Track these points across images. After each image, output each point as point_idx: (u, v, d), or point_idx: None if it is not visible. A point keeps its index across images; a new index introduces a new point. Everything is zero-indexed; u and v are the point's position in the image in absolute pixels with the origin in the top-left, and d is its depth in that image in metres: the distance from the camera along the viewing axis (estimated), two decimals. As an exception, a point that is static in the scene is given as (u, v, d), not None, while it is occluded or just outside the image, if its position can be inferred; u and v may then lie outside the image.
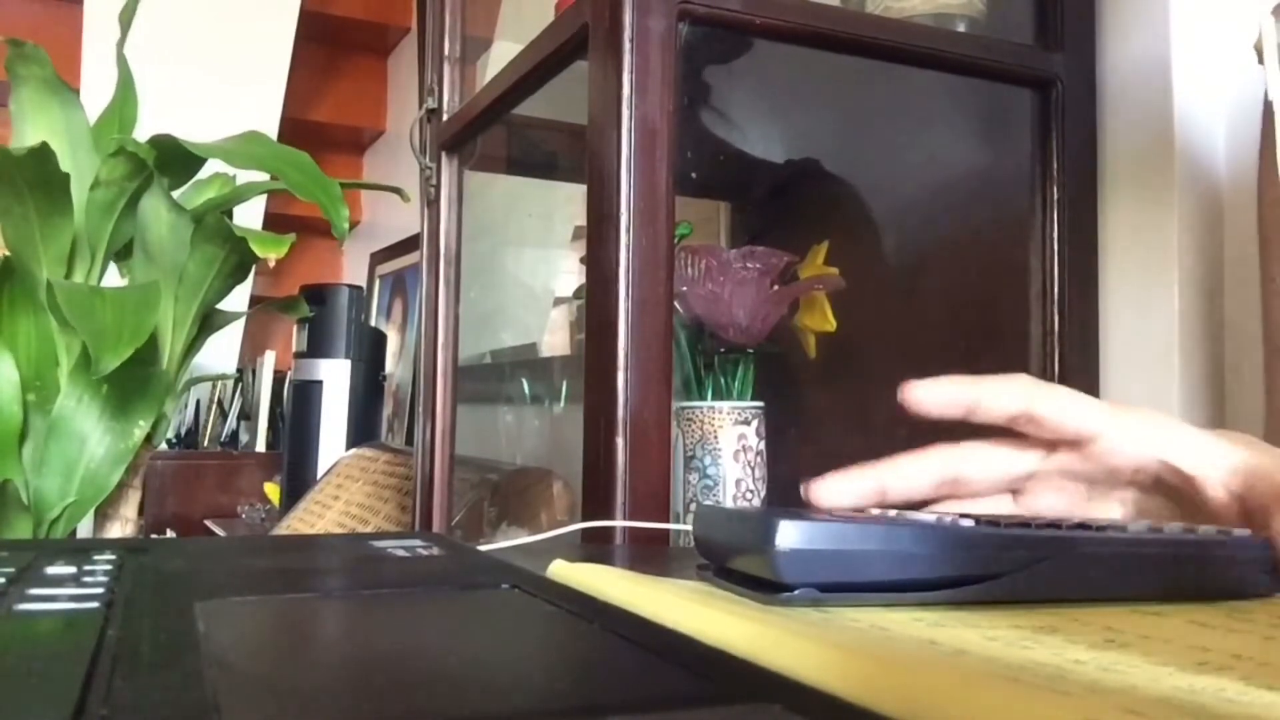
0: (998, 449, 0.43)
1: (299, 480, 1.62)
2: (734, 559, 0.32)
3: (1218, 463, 0.39)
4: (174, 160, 1.09)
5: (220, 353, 2.05)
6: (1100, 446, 0.41)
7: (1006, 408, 0.41)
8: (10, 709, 0.18)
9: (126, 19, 1.18)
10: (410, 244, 2.04)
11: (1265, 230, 0.58)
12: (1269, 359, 0.64)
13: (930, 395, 0.41)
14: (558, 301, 1.44)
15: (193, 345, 1.21)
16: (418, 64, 1.08)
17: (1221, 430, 0.42)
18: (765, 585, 0.30)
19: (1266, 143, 0.59)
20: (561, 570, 0.35)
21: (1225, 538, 0.34)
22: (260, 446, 2.18)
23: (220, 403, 2.36)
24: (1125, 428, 0.41)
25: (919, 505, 0.42)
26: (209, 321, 1.22)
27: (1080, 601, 0.31)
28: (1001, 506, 0.44)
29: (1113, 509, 0.43)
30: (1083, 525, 0.33)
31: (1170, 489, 0.41)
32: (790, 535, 0.29)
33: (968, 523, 0.32)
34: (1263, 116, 0.60)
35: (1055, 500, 0.43)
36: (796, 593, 0.30)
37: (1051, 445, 0.43)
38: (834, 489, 0.41)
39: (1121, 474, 0.42)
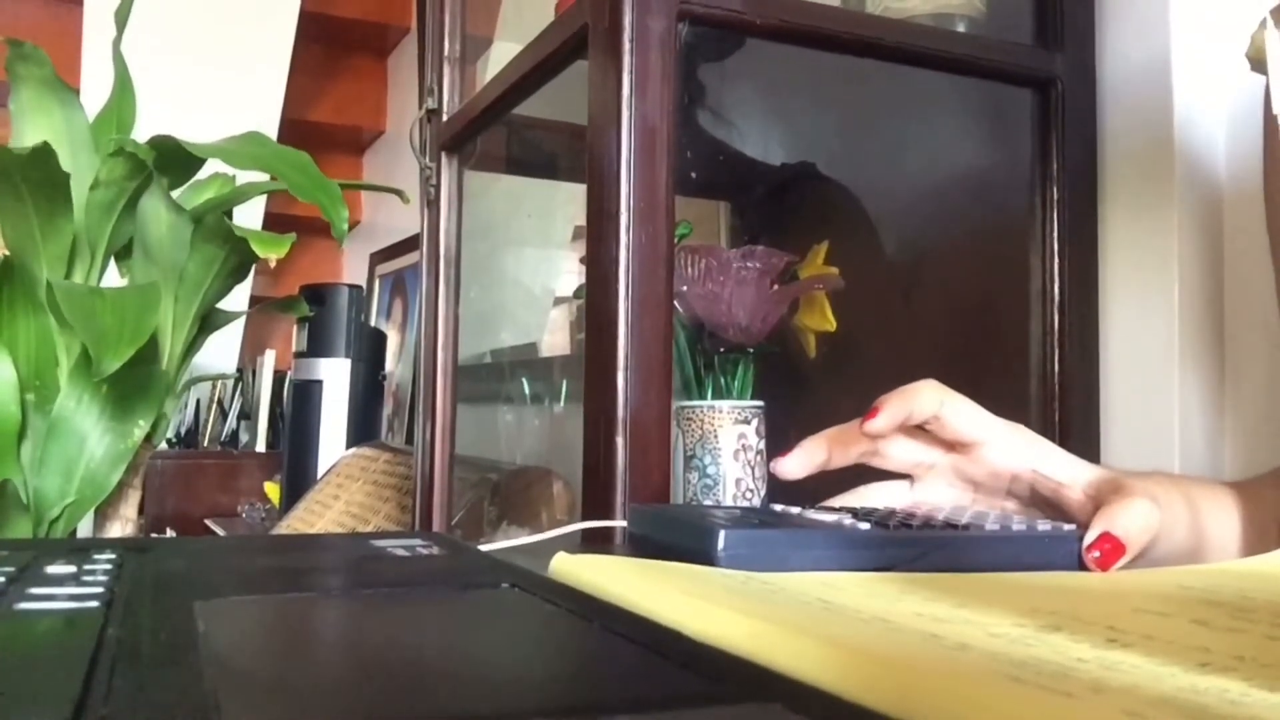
0: (911, 439, 0.52)
1: (299, 480, 1.62)
2: (675, 554, 0.39)
3: (1079, 474, 0.49)
4: (173, 160, 1.09)
5: (220, 352, 2.05)
6: (984, 452, 0.50)
7: (927, 410, 0.49)
8: (10, 709, 0.18)
9: (122, 17, 1.18)
10: (410, 244, 2.04)
11: (1275, 228, 0.58)
12: None
13: (795, 463, 0.52)
14: (558, 301, 1.44)
15: (193, 345, 1.21)
16: (418, 64, 1.08)
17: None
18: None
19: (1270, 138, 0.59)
20: (564, 564, 0.35)
21: (1050, 530, 0.44)
22: (260, 446, 2.18)
23: (220, 402, 2.36)
24: (1006, 439, 0.50)
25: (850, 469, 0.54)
26: (209, 321, 1.22)
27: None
28: (900, 491, 0.53)
29: (993, 508, 0.52)
30: (950, 524, 0.43)
31: (1040, 496, 0.50)
32: (728, 538, 0.39)
33: (865, 525, 0.41)
34: (1264, 112, 0.60)
35: (946, 492, 0.53)
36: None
37: (950, 446, 0.52)
38: (793, 463, 0.52)
39: (1001, 478, 0.51)
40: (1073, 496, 0.48)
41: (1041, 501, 0.51)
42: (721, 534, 0.38)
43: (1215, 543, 0.49)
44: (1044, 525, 0.45)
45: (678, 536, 0.42)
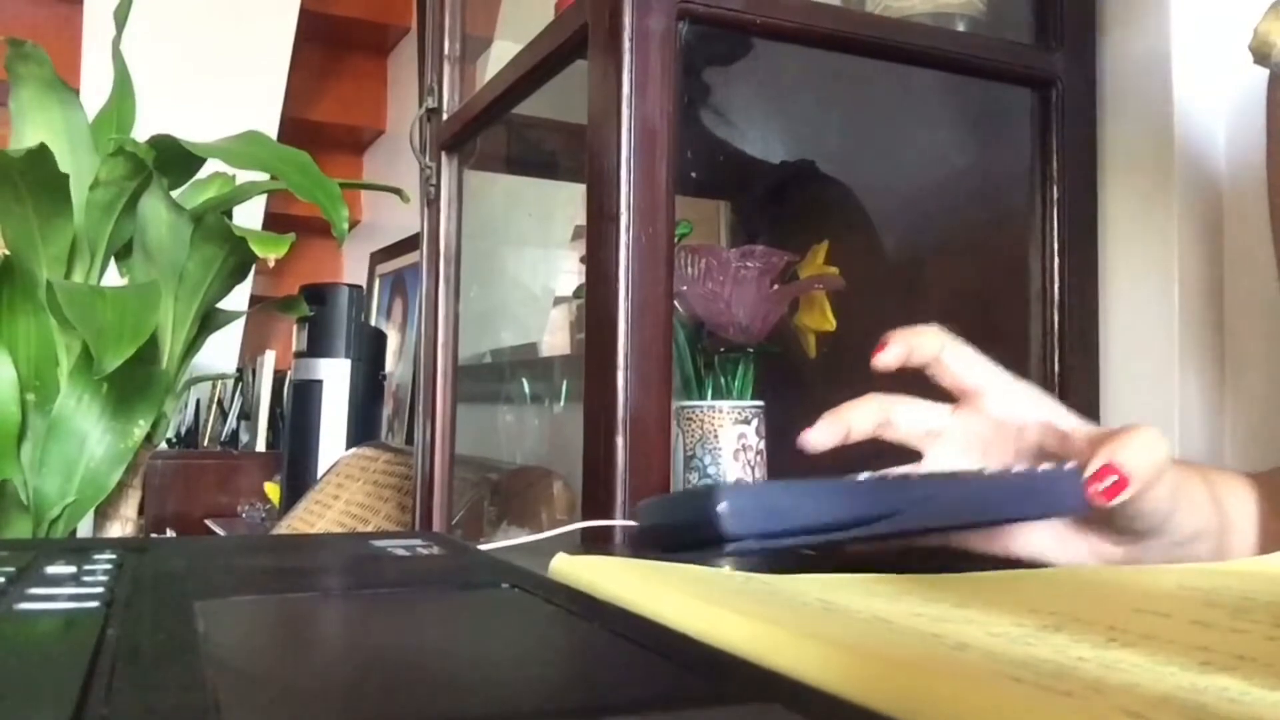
0: (917, 403, 0.51)
1: (299, 480, 1.62)
2: (682, 533, 0.38)
3: (1083, 426, 0.48)
4: (173, 160, 1.09)
5: (220, 352, 2.05)
6: (987, 403, 0.49)
7: (928, 351, 0.49)
8: (10, 709, 0.18)
9: (122, 16, 1.18)
10: (410, 244, 2.04)
11: (1277, 224, 0.58)
12: None
13: (821, 434, 0.51)
14: (558, 301, 1.44)
15: (193, 345, 1.21)
16: (418, 64, 1.08)
17: None
18: (712, 547, 0.38)
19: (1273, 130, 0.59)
20: (564, 564, 0.35)
21: (1051, 470, 0.42)
22: (260, 446, 2.18)
23: (220, 402, 2.36)
24: (1007, 388, 0.49)
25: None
26: (209, 321, 1.22)
27: (949, 530, 0.42)
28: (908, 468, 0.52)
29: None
30: (946, 474, 0.44)
31: (1047, 452, 0.48)
32: (728, 497, 0.37)
33: (863, 476, 0.40)
34: (1268, 103, 0.60)
35: (957, 460, 0.51)
36: (741, 544, 0.37)
37: (955, 402, 0.50)
38: (819, 434, 0.51)
39: (1006, 431, 0.49)
40: (1079, 447, 0.46)
41: (1050, 458, 0.49)
42: (721, 492, 0.38)
43: (1236, 524, 0.48)
44: (1045, 467, 0.43)
45: (682, 513, 0.41)
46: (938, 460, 0.52)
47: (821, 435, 0.51)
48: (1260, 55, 0.54)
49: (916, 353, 0.50)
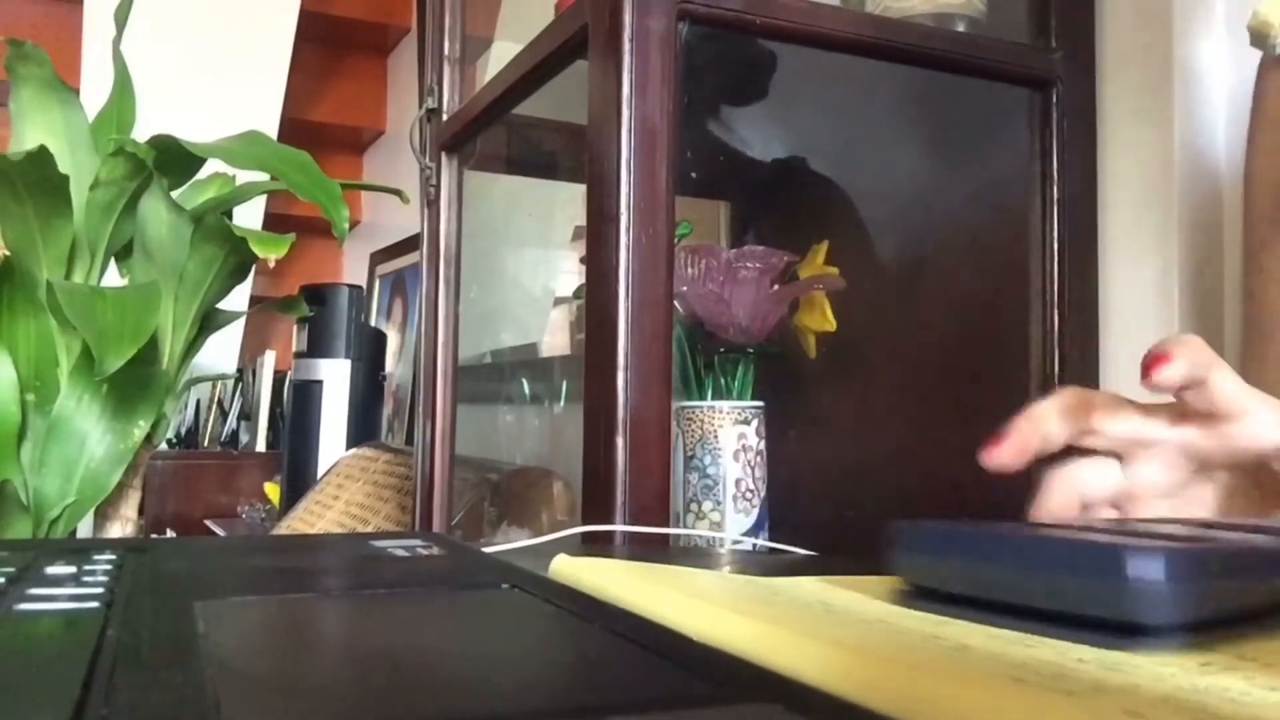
0: (1126, 406, 0.44)
1: (299, 480, 1.62)
2: (1030, 591, 0.26)
3: None
4: (174, 160, 1.09)
5: (220, 353, 2.05)
6: (1241, 427, 0.41)
7: (1204, 369, 0.41)
8: (10, 709, 0.18)
9: (122, 16, 1.18)
10: (410, 244, 2.04)
11: (1251, 214, 0.58)
12: (1257, 346, 0.63)
13: (1011, 453, 0.42)
14: (558, 301, 1.44)
15: (193, 345, 1.21)
16: (418, 64, 1.08)
17: None
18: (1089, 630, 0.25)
19: (1256, 118, 0.59)
20: (564, 566, 0.35)
21: None
22: (260, 446, 2.18)
23: (220, 403, 2.36)
24: (1268, 413, 0.41)
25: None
26: (209, 321, 1.22)
27: None
28: (1113, 472, 0.44)
29: (1206, 494, 0.43)
30: None
31: (1266, 484, 0.42)
32: (1165, 562, 0.24)
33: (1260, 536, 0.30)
34: (1255, 86, 0.60)
35: (1160, 474, 0.43)
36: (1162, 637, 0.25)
37: (1181, 418, 0.43)
38: (1005, 455, 0.43)
39: (1244, 457, 0.42)
40: None
41: (1266, 486, 0.42)
42: (1143, 554, 0.24)
43: None
44: None
45: (1054, 564, 0.26)
46: (1139, 473, 0.44)
47: (1010, 454, 0.43)
48: (1258, 36, 0.54)
49: (1195, 369, 0.41)
